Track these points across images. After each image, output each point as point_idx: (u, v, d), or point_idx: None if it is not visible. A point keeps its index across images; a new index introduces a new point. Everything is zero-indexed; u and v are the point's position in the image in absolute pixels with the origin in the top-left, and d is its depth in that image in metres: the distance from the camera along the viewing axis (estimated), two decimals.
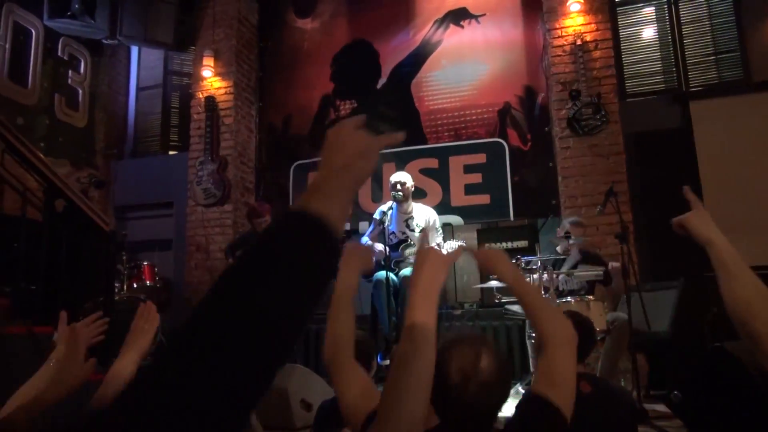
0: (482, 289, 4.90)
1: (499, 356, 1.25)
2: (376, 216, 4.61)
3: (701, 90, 5.36)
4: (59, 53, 6.08)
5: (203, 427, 0.52)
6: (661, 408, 3.37)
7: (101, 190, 5.26)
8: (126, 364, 1.57)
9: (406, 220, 4.50)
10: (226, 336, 0.54)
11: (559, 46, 5.18)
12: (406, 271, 4.17)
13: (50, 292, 3.64)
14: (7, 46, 5.49)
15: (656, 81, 5.57)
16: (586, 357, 2.13)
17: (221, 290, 0.58)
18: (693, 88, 5.40)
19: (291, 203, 6.02)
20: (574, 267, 3.91)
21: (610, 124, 4.85)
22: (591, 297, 3.60)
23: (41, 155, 3.59)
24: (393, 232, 4.46)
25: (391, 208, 4.45)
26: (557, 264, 3.95)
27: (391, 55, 6.09)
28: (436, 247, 1.17)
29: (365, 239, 4.56)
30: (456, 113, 5.80)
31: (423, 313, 1.06)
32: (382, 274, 4.12)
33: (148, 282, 5.18)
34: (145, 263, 5.22)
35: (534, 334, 3.35)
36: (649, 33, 5.66)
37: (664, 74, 5.57)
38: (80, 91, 6.33)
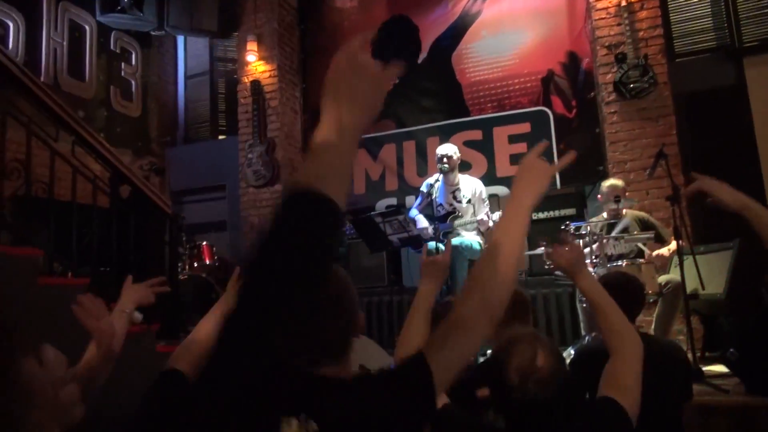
0: (530, 257, 4.94)
1: (554, 352, 1.32)
2: (423, 189, 4.69)
3: (756, 45, 5.14)
4: (112, 47, 6.35)
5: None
6: (717, 368, 3.37)
7: (160, 176, 5.53)
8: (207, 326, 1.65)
9: (453, 192, 4.57)
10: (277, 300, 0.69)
11: (603, 8, 5.06)
12: (455, 241, 4.25)
13: (121, 273, 3.91)
14: (65, 43, 5.79)
15: (707, 38, 5.38)
16: (635, 317, 2.16)
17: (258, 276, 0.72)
18: (747, 44, 5.18)
19: None
20: (623, 231, 3.89)
21: (659, 86, 4.74)
22: (642, 260, 3.59)
23: (107, 144, 3.82)
24: (441, 204, 4.54)
25: (437, 180, 4.52)
26: (606, 229, 3.94)
27: (431, 28, 6.08)
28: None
29: (413, 212, 4.65)
30: (498, 84, 5.77)
31: (508, 222, 1.12)
32: (431, 245, 4.21)
33: (207, 261, 5.43)
34: (204, 243, 5.48)
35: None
36: None
37: (715, 30, 5.36)
38: (133, 83, 6.61)
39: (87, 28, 6.08)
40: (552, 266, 1.51)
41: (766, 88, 4.85)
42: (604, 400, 1.27)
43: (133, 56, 6.64)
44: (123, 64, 6.51)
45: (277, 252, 0.69)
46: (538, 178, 1.15)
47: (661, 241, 3.86)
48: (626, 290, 2.08)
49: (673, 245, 3.72)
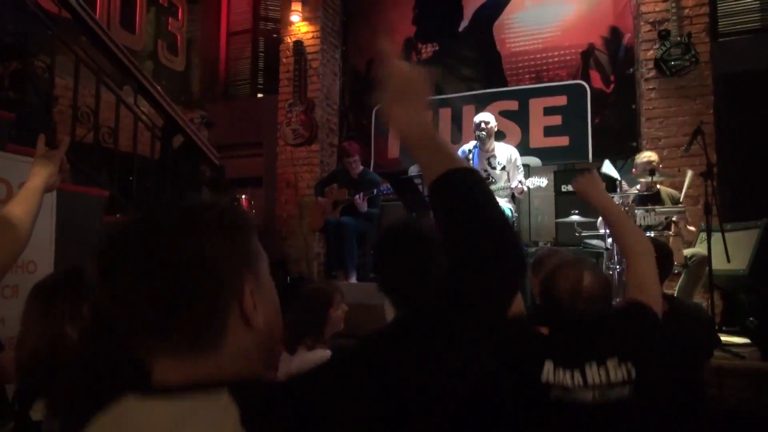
0: (557, 225, 5.10)
1: (599, 274, 1.52)
2: (459, 154, 4.84)
3: None
4: (160, 1, 6.51)
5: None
6: (734, 340, 3.54)
7: (210, 129, 5.75)
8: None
9: (488, 159, 4.71)
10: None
11: None
12: None
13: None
14: None
15: (752, 19, 5.36)
16: (665, 278, 2.32)
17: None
18: None
19: (372, 144, 6.32)
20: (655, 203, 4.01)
21: (700, 65, 4.78)
22: (670, 232, 3.73)
23: (164, 95, 4.02)
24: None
25: (475, 146, 4.67)
26: (638, 200, 4.07)
27: None
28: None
29: None
30: (538, 55, 5.83)
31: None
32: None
33: None
34: (243, 197, 5.72)
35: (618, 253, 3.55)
36: None
37: (761, 11, 5.35)
38: (178, 37, 6.79)
39: None
40: (577, 193, 1.72)
41: None
42: (633, 303, 1.46)
43: (180, 11, 6.80)
44: (170, 18, 6.67)
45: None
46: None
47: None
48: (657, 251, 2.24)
49: (693, 228, 3.88)
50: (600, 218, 4.20)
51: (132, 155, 3.86)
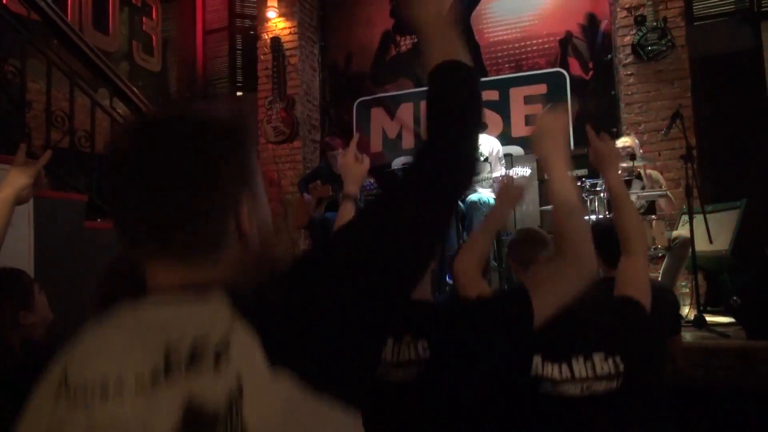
0: (542, 213, 5.13)
1: None
2: None
3: None
4: (133, 0, 6.40)
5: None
6: (718, 320, 3.59)
7: None
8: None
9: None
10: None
11: None
12: (473, 196, 4.42)
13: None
14: None
15: (726, 2, 5.41)
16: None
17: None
18: (765, 8, 5.22)
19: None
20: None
21: (677, 49, 4.82)
22: (653, 216, 3.77)
23: (142, 97, 3.96)
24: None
25: None
26: None
27: None
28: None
29: None
30: (516, 44, 5.84)
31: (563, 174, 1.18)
32: (475, 197, 4.40)
33: None
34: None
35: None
36: None
37: None
38: (154, 37, 6.68)
39: None
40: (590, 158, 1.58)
41: None
42: (624, 298, 1.47)
43: (154, 10, 6.69)
44: (144, 17, 6.57)
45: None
46: (559, 137, 1.20)
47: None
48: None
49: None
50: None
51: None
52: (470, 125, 0.80)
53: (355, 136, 1.94)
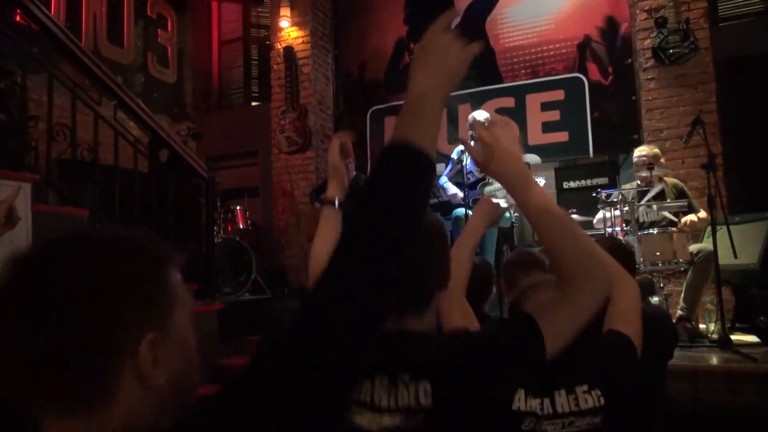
0: None
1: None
2: (454, 156, 4.71)
3: None
4: (148, 13, 6.44)
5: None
6: (746, 338, 3.37)
7: (198, 140, 5.66)
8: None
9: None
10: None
11: None
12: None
13: (162, 235, 4.07)
14: (104, 9, 5.89)
15: (753, 1, 5.17)
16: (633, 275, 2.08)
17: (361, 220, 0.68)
18: None
19: (368, 148, 6.20)
20: (656, 198, 3.86)
21: (700, 52, 4.60)
22: (674, 228, 3.57)
23: (146, 109, 3.93)
24: (471, 171, 4.55)
25: None
26: (638, 196, 3.91)
27: None
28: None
29: (443, 179, 4.68)
30: (533, 50, 5.67)
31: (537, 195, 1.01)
32: (460, 211, 4.26)
33: (241, 225, 5.59)
34: (238, 208, 5.62)
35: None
36: None
37: None
38: (169, 49, 6.72)
39: None
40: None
41: None
42: (610, 332, 1.33)
43: (169, 22, 6.72)
44: (159, 29, 6.61)
45: (373, 205, 0.68)
46: (515, 150, 1.02)
47: (693, 212, 3.82)
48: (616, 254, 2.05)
49: (703, 214, 3.69)
50: (597, 216, 4.05)
51: (117, 170, 3.76)
52: (393, 247, 0.65)
53: (346, 133, 1.61)
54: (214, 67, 7.42)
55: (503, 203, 4.31)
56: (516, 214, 4.64)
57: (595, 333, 1.35)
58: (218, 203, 5.37)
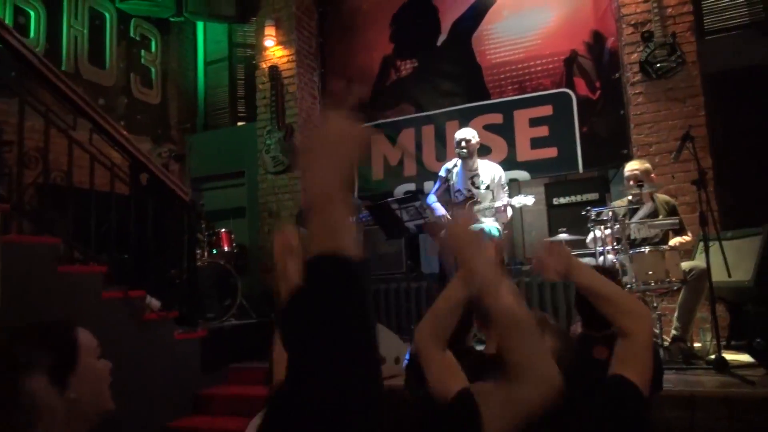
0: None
1: (561, 335, 1.28)
2: (442, 174, 4.63)
3: None
4: (131, 34, 6.38)
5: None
6: (742, 358, 3.27)
7: (180, 163, 5.56)
8: None
9: (472, 178, 4.49)
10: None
11: None
12: (473, 228, 4.19)
13: (140, 260, 3.95)
14: (85, 31, 5.83)
15: (739, 14, 5.15)
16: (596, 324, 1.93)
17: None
18: None
19: (356, 167, 6.11)
20: (648, 216, 3.78)
21: (687, 65, 4.56)
22: (666, 246, 3.48)
23: (124, 132, 3.83)
24: (459, 190, 4.47)
25: (456, 165, 4.45)
26: (630, 213, 3.83)
27: (451, 9, 5.95)
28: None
29: (431, 198, 4.59)
30: (520, 65, 5.63)
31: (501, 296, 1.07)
32: None
33: (226, 248, 5.46)
34: (223, 230, 5.51)
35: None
36: None
37: (748, 6, 5.13)
38: (153, 70, 6.64)
39: (107, 15, 6.11)
40: (545, 277, 1.39)
41: None
42: (615, 378, 1.24)
43: (153, 43, 6.66)
44: (143, 51, 6.54)
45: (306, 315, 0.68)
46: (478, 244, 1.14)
47: (683, 230, 3.74)
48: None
49: (689, 236, 3.64)
50: (590, 236, 3.97)
51: (92, 195, 3.65)
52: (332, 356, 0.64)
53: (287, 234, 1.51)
54: (200, 88, 7.35)
55: (493, 225, 4.21)
56: (505, 232, 4.56)
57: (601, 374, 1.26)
58: (202, 225, 5.27)
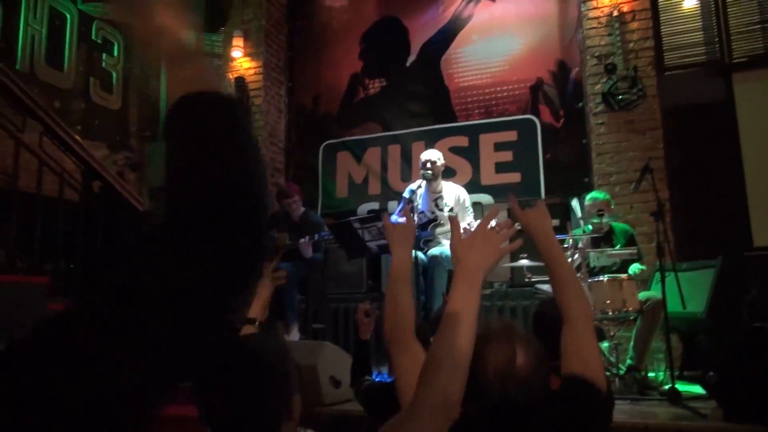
0: (512, 268, 4.86)
1: (532, 347, 1.23)
2: (406, 195, 4.59)
3: (745, 61, 5.11)
4: (93, 37, 6.17)
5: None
6: (695, 389, 3.31)
7: (137, 172, 5.37)
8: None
9: (436, 200, 4.47)
10: None
11: (595, 17, 5.01)
12: (435, 250, 4.16)
13: (88, 271, 3.77)
14: (44, 31, 5.61)
15: (697, 52, 5.33)
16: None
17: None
18: (736, 60, 5.15)
19: (319, 183, 6.03)
20: (607, 245, 3.83)
21: (648, 99, 4.69)
22: (624, 276, 3.52)
23: (78, 137, 3.68)
24: (422, 212, 4.44)
25: (420, 186, 4.43)
26: (590, 242, 3.87)
27: (421, 31, 5.99)
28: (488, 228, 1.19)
29: (394, 218, 4.54)
30: (487, 90, 5.69)
31: (461, 298, 1.07)
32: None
33: None
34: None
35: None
36: (690, 2, 5.41)
37: (705, 45, 5.32)
38: (114, 75, 6.44)
39: (68, 15, 5.90)
40: (520, 226, 1.43)
41: (753, 105, 4.82)
42: (574, 379, 1.20)
43: (116, 47, 6.46)
44: (104, 54, 6.33)
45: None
46: (490, 250, 1.14)
47: (640, 260, 3.80)
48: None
49: (644, 267, 3.70)
50: None
51: (38, 201, 3.47)
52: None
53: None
54: (163, 96, 7.16)
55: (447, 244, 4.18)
56: None
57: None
58: None
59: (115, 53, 6.48)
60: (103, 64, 6.31)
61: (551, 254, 1.40)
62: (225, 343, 1.10)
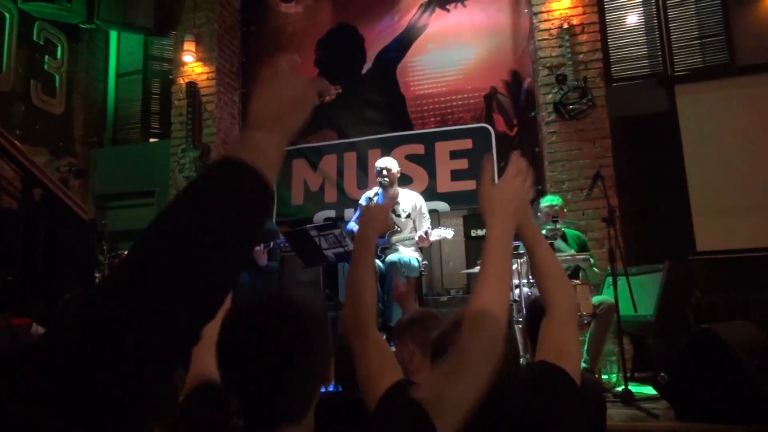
0: (468, 275, 4.90)
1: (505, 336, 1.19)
2: (362, 202, 4.57)
3: (686, 74, 5.37)
4: (35, 38, 5.91)
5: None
6: (646, 390, 3.40)
7: (81, 179, 5.14)
8: None
9: (393, 206, 4.45)
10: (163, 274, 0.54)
11: (546, 29, 5.14)
12: (393, 257, 4.14)
13: (27, 283, 3.56)
14: None
15: (642, 65, 5.56)
16: None
17: (157, 233, 0.58)
18: (678, 73, 5.40)
19: (275, 191, 5.94)
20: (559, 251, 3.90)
21: (597, 109, 4.83)
22: (577, 281, 3.59)
23: (17, 143, 3.48)
24: None
25: (377, 194, 4.41)
26: None
27: (377, 39, 6.01)
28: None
29: (351, 225, 4.51)
30: (442, 98, 5.75)
31: (498, 240, 1.07)
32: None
33: None
34: (126, 252, 5.12)
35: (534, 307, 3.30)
36: (634, 17, 5.64)
37: (649, 58, 5.56)
38: (57, 77, 6.17)
39: (7, 15, 5.63)
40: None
41: (695, 115, 5.05)
42: (548, 369, 1.14)
43: (59, 49, 6.20)
44: (47, 56, 6.07)
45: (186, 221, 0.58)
46: (509, 205, 1.12)
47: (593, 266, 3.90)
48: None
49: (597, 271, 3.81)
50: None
51: None
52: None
53: None
54: (110, 100, 6.91)
55: (412, 255, 4.18)
56: (425, 263, 4.55)
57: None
58: (104, 247, 4.87)
59: (59, 55, 6.22)
60: (45, 67, 6.05)
61: (530, 230, 1.29)
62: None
